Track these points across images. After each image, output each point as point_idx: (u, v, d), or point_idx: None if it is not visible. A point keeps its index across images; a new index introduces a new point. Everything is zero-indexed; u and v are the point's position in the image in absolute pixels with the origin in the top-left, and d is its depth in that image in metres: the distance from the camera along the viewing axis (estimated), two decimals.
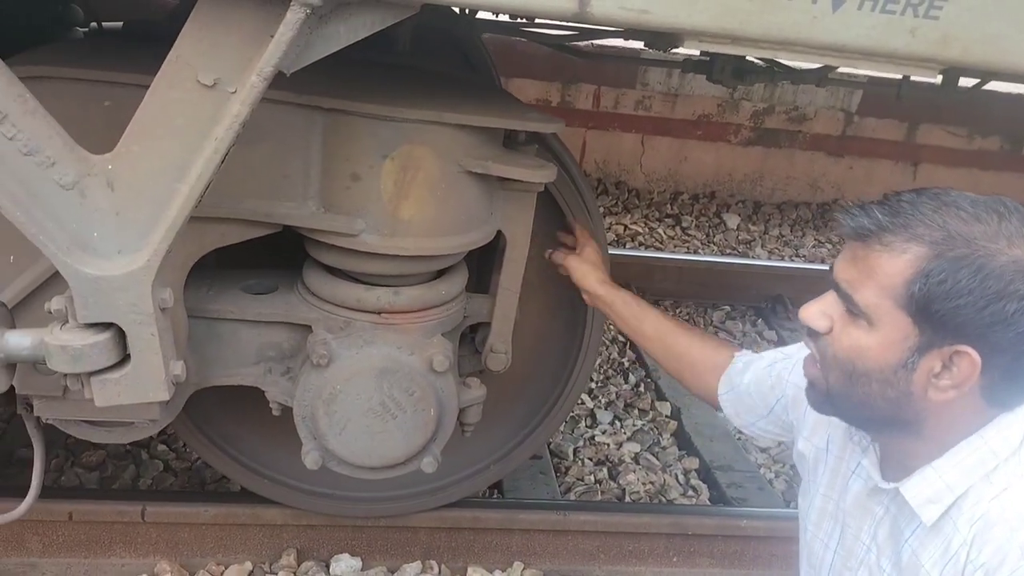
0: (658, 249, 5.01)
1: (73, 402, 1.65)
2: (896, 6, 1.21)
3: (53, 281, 1.58)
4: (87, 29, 3.01)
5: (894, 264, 1.08)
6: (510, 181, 1.68)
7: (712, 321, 4.36)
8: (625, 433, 3.35)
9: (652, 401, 3.57)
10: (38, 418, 1.75)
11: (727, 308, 4.49)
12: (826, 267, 4.95)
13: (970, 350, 1.06)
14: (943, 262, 1.06)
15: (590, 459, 3.16)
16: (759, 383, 1.60)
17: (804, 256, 5.24)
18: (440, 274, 1.77)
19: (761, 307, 4.51)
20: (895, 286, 1.08)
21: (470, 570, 2.43)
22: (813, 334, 1.19)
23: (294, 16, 1.17)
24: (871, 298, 1.10)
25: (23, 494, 2.15)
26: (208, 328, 1.72)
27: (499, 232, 1.79)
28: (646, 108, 5.31)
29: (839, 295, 1.15)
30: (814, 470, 1.43)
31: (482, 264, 1.98)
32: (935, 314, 1.06)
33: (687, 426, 3.39)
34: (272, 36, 1.21)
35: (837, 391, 1.18)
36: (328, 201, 1.60)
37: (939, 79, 1.35)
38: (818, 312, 1.17)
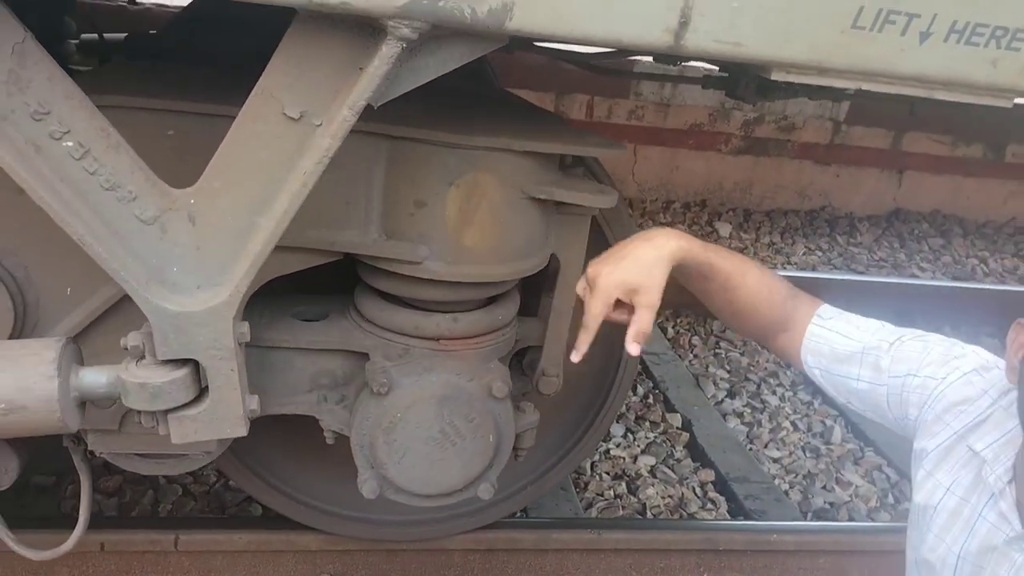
0: None
1: (128, 435, 1.62)
2: (979, 37, 1.23)
3: (111, 313, 1.55)
4: (78, 42, 2.97)
5: None
6: (566, 205, 1.68)
7: (712, 330, 4.39)
8: (639, 446, 3.36)
9: (662, 413, 3.58)
10: (84, 450, 1.71)
11: None
12: (818, 274, 5.02)
13: None
14: None
15: (607, 473, 3.17)
16: (885, 385, 1.47)
17: (796, 263, 5.30)
18: (495, 299, 1.77)
19: None
20: None
21: None
22: None
23: (389, 50, 1.15)
24: None
25: (44, 524, 2.11)
26: (261, 357, 1.69)
27: (552, 255, 1.78)
28: (639, 118, 5.34)
29: None
30: (931, 515, 1.38)
31: (527, 286, 1.97)
32: None
33: (699, 438, 3.41)
34: (361, 68, 1.20)
35: None
36: (391, 228, 1.58)
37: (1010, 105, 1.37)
38: None
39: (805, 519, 3.00)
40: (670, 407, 3.62)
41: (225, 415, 1.35)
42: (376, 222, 1.58)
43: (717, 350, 4.21)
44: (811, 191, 5.86)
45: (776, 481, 3.23)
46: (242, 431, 1.38)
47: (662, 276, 1.38)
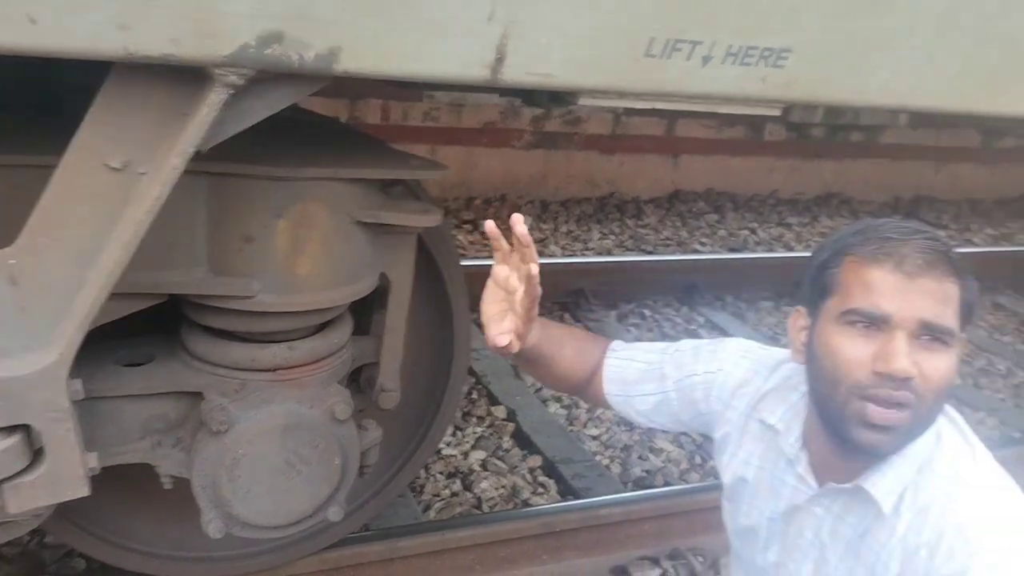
0: (462, 255, 5.16)
1: None
2: (751, 58, 1.40)
3: None
4: None
5: (956, 285, 1.23)
6: (393, 226, 1.73)
7: None
8: (468, 442, 3.46)
9: (487, 407, 3.71)
10: None
11: None
12: (614, 258, 5.35)
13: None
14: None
15: (441, 473, 3.25)
16: (673, 393, 1.63)
17: (593, 248, 5.61)
18: (329, 323, 1.79)
19: (566, 301, 4.78)
20: (958, 305, 1.23)
21: None
22: (903, 382, 1.21)
23: (217, 97, 1.16)
24: (952, 321, 1.22)
25: None
26: (88, 408, 1.62)
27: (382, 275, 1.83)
28: (434, 119, 5.43)
29: (917, 332, 1.21)
30: (741, 488, 1.54)
31: (356, 305, 2.00)
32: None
33: (524, 426, 3.56)
34: (186, 115, 1.20)
35: (925, 421, 1.26)
36: (219, 265, 1.57)
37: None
38: (908, 361, 1.20)
39: (627, 489, 3.22)
40: (494, 400, 3.75)
41: (64, 477, 1.30)
42: (203, 261, 1.56)
43: None
44: (599, 179, 6.21)
45: (597, 458, 3.44)
46: (84, 491, 1.33)
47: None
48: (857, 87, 1.50)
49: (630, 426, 3.71)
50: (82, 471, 1.31)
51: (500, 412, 3.67)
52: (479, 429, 3.56)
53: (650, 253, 5.59)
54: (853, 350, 1.24)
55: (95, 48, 1.06)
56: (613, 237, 5.84)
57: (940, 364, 1.22)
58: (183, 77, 1.18)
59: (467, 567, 2.59)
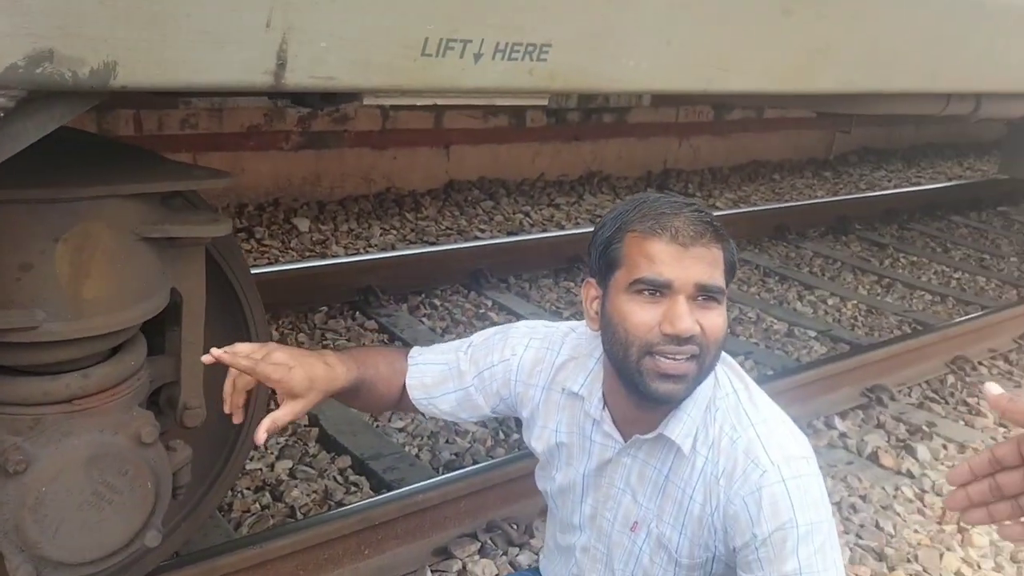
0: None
1: None
2: (517, 54, 1.52)
3: None
4: None
5: (721, 249, 1.41)
6: (179, 239, 1.70)
7: (316, 324, 4.54)
8: (273, 453, 3.41)
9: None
10: None
11: (324, 309, 4.69)
12: (399, 252, 5.42)
13: None
14: (727, 238, 1.44)
15: (248, 488, 3.18)
16: (475, 387, 1.72)
17: (376, 245, 5.64)
18: (122, 345, 1.73)
19: (355, 300, 4.79)
20: (724, 266, 1.42)
21: None
22: (688, 339, 1.37)
23: None
24: (721, 281, 1.40)
25: None
26: None
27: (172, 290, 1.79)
28: (193, 126, 5.22)
29: (694, 294, 1.38)
30: (556, 453, 1.66)
31: (145, 326, 1.94)
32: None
33: (328, 429, 3.55)
34: None
35: (709, 368, 1.43)
36: None
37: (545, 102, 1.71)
38: (691, 320, 1.36)
39: (439, 474, 3.31)
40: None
41: None
42: None
43: (324, 341, 4.37)
44: (374, 175, 6.24)
45: (406, 448, 3.51)
46: None
47: (314, 398, 1.57)
48: (610, 75, 1.67)
49: (403, 412, 3.81)
50: None
51: (303, 419, 3.64)
52: (282, 438, 3.51)
53: (433, 244, 5.70)
54: (643, 315, 1.40)
55: None
56: (395, 232, 5.90)
57: (716, 318, 1.41)
58: None
59: (291, 573, 2.58)
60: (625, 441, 1.55)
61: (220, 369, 1.97)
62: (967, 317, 5.02)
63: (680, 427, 1.47)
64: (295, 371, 1.51)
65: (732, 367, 1.57)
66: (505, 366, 1.71)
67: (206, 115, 5.27)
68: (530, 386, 1.69)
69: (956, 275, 6.24)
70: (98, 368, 1.66)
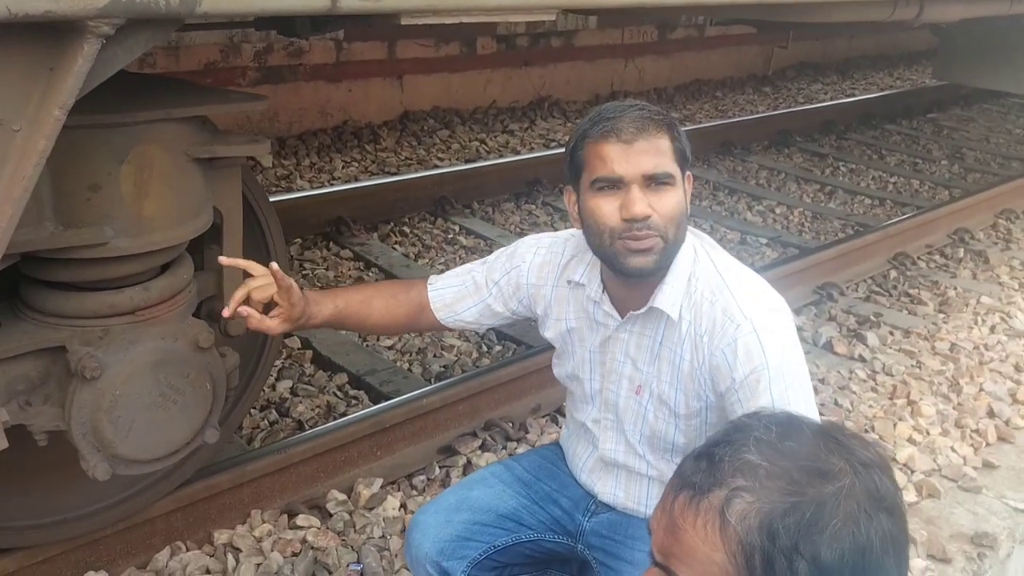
0: None
1: None
2: None
3: None
4: None
5: (667, 139, 1.65)
6: (220, 159, 1.84)
7: (292, 255, 4.65)
8: (272, 376, 3.57)
9: (281, 340, 3.81)
10: None
11: (299, 241, 4.80)
12: (364, 183, 5.51)
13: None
14: (673, 127, 1.69)
15: (254, 409, 3.34)
16: (492, 296, 1.96)
17: (340, 178, 5.73)
18: (175, 260, 1.87)
19: (327, 231, 4.91)
20: (672, 153, 1.65)
21: (215, 535, 2.55)
22: (644, 220, 1.59)
23: (91, 48, 1.24)
24: (669, 167, 1.63)
25: None
26: None
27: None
28: (151, 65, 5.19)
29: (644, 183, 1.60)
30: (568, 339, 1.90)
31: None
32: (687, 160, 1.68)
33: (323, 351, 3.72)
34: (51, 68, 1.26)
35: (676, 242, 1.65)
36: (67, 218, 1.61)
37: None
38: (643, 204, 1.58)
39: (432, 383, 3.52)
40: (287, 334, 3.86)
41: None
42: (49, 215, 1.60)
43: (303, 271, 4.50)
44: (331, 108, 6.28)
45: (398, 364, 3.71)
46: (2, 444, 1.38)
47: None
48: None
49: (419, 332, 4.00)
50: None
51: (295, 343, 3.80)
52: (278, 361, 3.66)
53: (395, 174, 5.81)
54: (606, 207, 1.63)
55: None
56: (356, 164, 5.98)
57: (669, 199, 1.63)
58: (44, 33, 1.24)
59: (311, 476, 2.78)
60: (622, 318, 1.79)
61: None
62: (904, 217, 5.35)
63: (667, 298, 1.71)
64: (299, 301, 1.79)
65: (707, 241, 1.81)
66: (516, 272, 1.96)
67: (163, 54, 5.24)
68: (540, 286, 1.94)
69: (892, 179, 6.59)
70: (156, 281, 1.80)
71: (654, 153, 1.62)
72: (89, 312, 1.73)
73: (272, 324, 1.78)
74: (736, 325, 1.64)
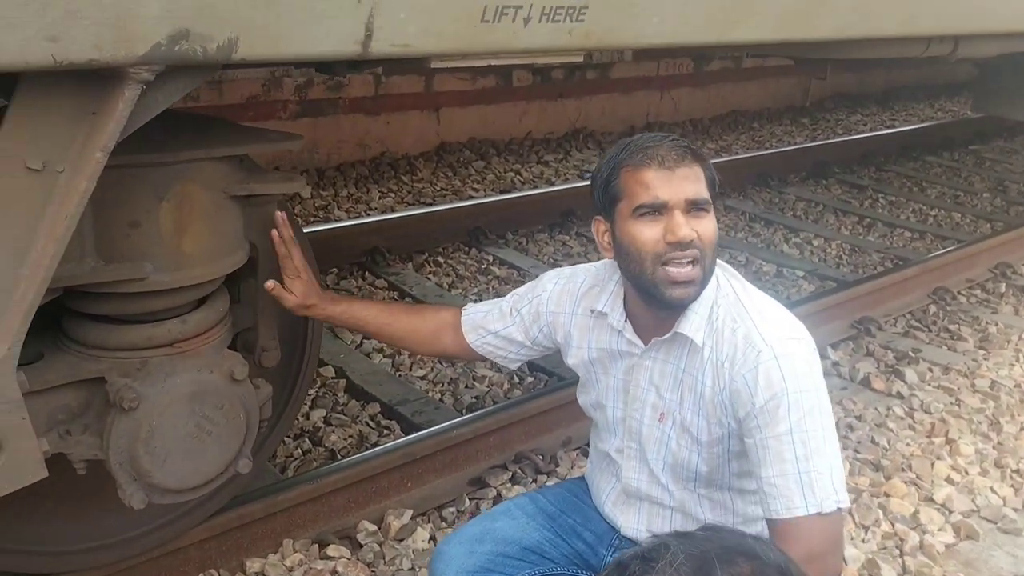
0: None
1: None
2: (559, 16, 1.72)
3: None
4: None
5: (701, 168, 1.70)
6: (256, 197, 1.89)
7: (328, 284, 4.72)
8: (305, 403, 3.61)
9: (316, 369, 3.85)
10: None
11: (335, 271, 4.87)
12: (400, 214, 5.58)
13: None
14: (705, 159, 1.73)
15: (288, 437, 3.39)
16: (515, 324, 2.01)
17: (376, 208, 5.81)
18: (212, 293, 1.92)
19: (362, 261, 4.98)
20: (706, 181, 1.69)
21: (247, 563, 2.58)
22: (688, 244, 1.63)
23: (131, 93, 1.29)
24: (706, 194, 1.67)
25: None
26: None
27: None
28: (195, 99, 5.33)
29: (686, 208, 1.64)
30: (591, 368, 1.92)
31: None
32: (716, 191, 1.73)
33: (355, 380, 3.76)
34: (94, 112, 1.32)
35: (710, 270, 1.68)
36: (107, 253, 1.67)
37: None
38: (687, 228, 1.62)
39: (463, 414, 3.54)
40: (320, 362, 3.91)
41: (25, 462, 1.39)
42: (91, 251, 1.65)
43: None
44: (369, 140, 6.38)
45: (430, 394, 3.73)
46: (43, 473, 1.43)
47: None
48: (638, 32, 1.87)
49: (451, 363, 4.03)
50: (39, 455, 1.41)
51: (328, 372, 3.84)
52: (312, 390, 3.71)
53: (431, 205, 5.87)
54: (648, 233, 1.66)
55: (24, 60, 1.17)
56: (392, 195, 6.07)
57: (708, 225, 1.67)
58: (88, 79, 1.30)
59: (341, 507, 2.81)
60: (646, 346, 1.80)
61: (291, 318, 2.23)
62: (945, 251, 5.29)
63: (691, 324, 1.73)
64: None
65: (729, 271, 1.83)
66: (537, 301, 2.01)
67: (206, 88, 5.38)
68: (559, 313, 1.97)
69: (933, 212, 6.51)
70: (193, 315, 1.85)
71: (694, 180, 1.66)
72: (128, 344, 1.78)
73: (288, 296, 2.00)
74: (757, 352, 1.65)
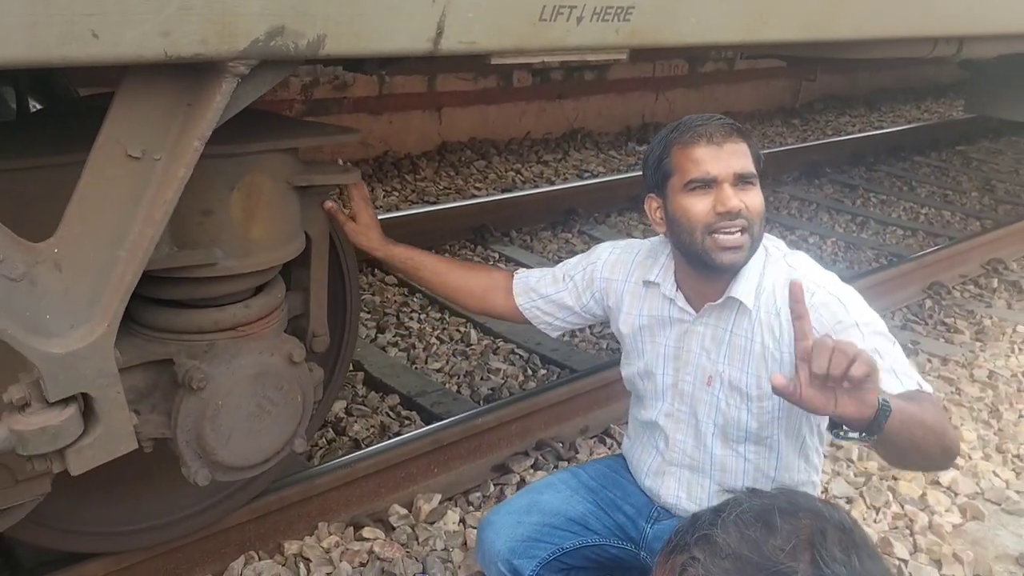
0: None
1: None
2: (609, 16, 1.82)
3: None
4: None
5: (745, 145, 1.82)
6: (313, 187, 1.97)
7: None
8: None
9: (352, 356, 3.93)
10: None
11: None
12: (404, 212, 5.66)
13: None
14: (750, 135, 1.85)
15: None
16: (567, 290, 2.13)
17: (382, 206, 5.89)
18: (270, 280, 2.01)
19: (372, 258, 5.04)
20: (751, 156, 1.82)
21: (285, 545, 2.66)
22: (737, 214, 1.74)
23: (228, 86, 1.38)
24: (752, 168, 1.79)
25: None
26: None
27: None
28: None
29: (734, 181, 1.76)
30: (639, 336, 2.02)
31: None
32: (760, 165, 1.84)
33: (373, 373, 3.85)
34: (189, 104, 1.41)
35: (758, 238, 1.80)
36: (181, 240, 1.75)
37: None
38: (736, 199, 1.74)
39: (480, 405, 3.63)
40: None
41: (117, 435, 1.47)
42: (166, 237, 1.73)
43: None
44: (372, 139, 6.46)
45: (447, 386, 3.82)
46: (133, 445, 1.51)
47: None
48: (678, 32, 1.97)
49: (465, 355, 4.12)
50: (131, 428, 1.49)
51: (349, 366, 3.92)
52: None
53: (435, 203, 5.96)
54: (700, 205, 1.78)
55: (139, 54, 1.25)
56: (397, 193, 6.15)
57: (755, 197, 1.80)
58: (186, 71, 1.39)
59: (372, 491, 2.89)
60: (697, 312, 1.91)
61: (333, 306, 2.31)
62: (939, 247, 5.43)
63: (742, 289, 1.84)
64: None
65: (776, 241, 1.95)
66: (592, 268, 2.14)
67: None
68: (613, 280, 2.10)
69: (923, 210, 6.67)
70: (255, 299, 1.93)
71: (741, 155, 1.79)
72: (196, 328, 1.86)
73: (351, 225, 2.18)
74: (811, 293, 1.75)
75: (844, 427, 1.49)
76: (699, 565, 1.00)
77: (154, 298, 1.86)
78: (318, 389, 2.13)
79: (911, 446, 1.52)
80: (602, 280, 2.10)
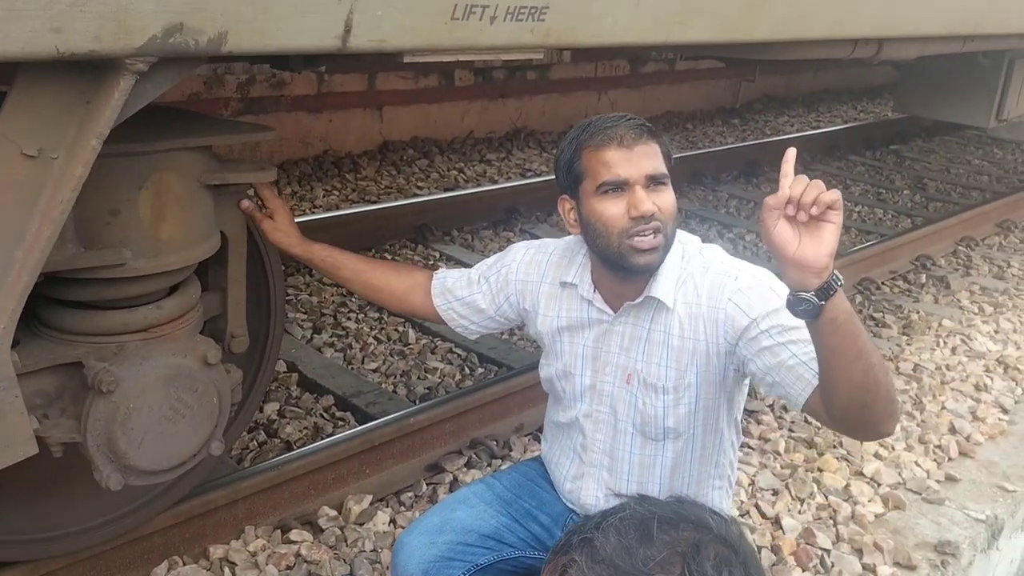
0: None
1: None
2: (523, 16, 1.83)
3: None
4: None
5: (657, 144, 1.82)
6: (227, 186, 1.95)
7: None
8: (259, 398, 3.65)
9: (277, 357, 3.89)
10: None
11: (283, 267, 4.88)
12: (344, 212, 5.62)
13: None
14: (660, 135, 1.87)
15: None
16: (481, 292, 2.11)
17: (321, 206, 5.84)
18: (184, 280, 1.98)
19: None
20: (662, 157, 1.83)
21: (211, 550, 2.63)
22: (651, 217, 1.74)
23: (127, 83, 1.36)
24: (664, 168, 1.80)
25: None
26: None
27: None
28: None
29: (646, 183, 1.76)
30: (557, 337, 2.02)
31: None
32: (671, 164, 1.85)
33: (308, 374, 3.81)
34: (88, 101, 1.38)
35: (671, 238, 1.80)
36: (88, 240, 1.72)
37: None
38: (649, 202, 1.73)
39: (417, 404, 3.61)
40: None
41: (17, 438, 1.44)
42: (71, 238, 1.70)
43: (287, 297, 4.59)
44: (311, 138, 6.40)
45: (383, 386, 3.80)
46: (34, 449, 1.48)
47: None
48: (593, 32, 1.99)
49: (402, 355, 4.11)
50: (30, 432, 1.46)
51: (281, 367, 3.88)
52: (271, 386, 3.75)
53: (376, 202, 5.93)
54: (613, 209, 1.78)
55: (29, 50, 1.22)
56: (337, 192, 6.10)
57: (668, 197, 1.81)
58: (81, 70, 1.36)
59: (303, 494, 2.86)
60: (615, 312, 1.92)
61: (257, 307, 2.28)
62: (868, 244, 5.56)
63: (660, 287, 1.86)
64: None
65: (691, 239, 1.96)
66: (506, 270, 2.12)
67: None
68: (528, 282, 2.09)
69: (857, 208, 6.82)
70: (168, 300, 1.91)
71: (652, 156, 1.79)
72: (105, 329, 1.83)
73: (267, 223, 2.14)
74: (734, 277, 1.79)
75: (799, 291, 1.49)
76: (576, 568, 1.01)
77: (62, 300, 1.82)
78: (236, 391, 2.11)
79: (856, 369, 1.52)
80: (517, 282, 2.09)
